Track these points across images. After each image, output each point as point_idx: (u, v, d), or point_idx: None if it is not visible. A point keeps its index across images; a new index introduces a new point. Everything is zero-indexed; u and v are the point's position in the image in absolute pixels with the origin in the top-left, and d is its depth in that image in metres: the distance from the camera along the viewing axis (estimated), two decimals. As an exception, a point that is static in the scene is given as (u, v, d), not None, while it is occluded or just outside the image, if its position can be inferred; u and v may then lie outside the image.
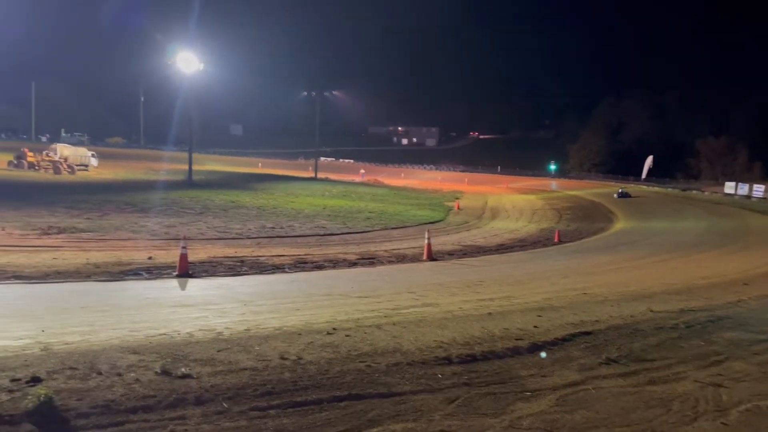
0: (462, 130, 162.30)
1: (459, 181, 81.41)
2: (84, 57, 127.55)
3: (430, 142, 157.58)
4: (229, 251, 17.14)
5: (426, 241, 18.06)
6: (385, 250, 19.59)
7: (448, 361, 6.68)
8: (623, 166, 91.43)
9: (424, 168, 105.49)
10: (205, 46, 51.29)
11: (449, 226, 31.10)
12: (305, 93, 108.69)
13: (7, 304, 9.31)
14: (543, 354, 7.30)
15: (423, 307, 10.00)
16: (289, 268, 15.01)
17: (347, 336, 7.42)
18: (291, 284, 12.94)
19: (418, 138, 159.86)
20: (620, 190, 60.51)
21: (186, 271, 12.85)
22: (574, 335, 8.27)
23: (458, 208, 42.45)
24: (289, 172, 74.24)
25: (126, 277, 12.31)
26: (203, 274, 13.11)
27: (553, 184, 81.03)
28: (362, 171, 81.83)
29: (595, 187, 73.45)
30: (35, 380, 5.07)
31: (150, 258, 14.69)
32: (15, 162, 46.48)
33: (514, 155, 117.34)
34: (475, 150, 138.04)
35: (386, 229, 27.18)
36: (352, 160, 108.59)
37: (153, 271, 13.12)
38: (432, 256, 17.81)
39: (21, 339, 6.79)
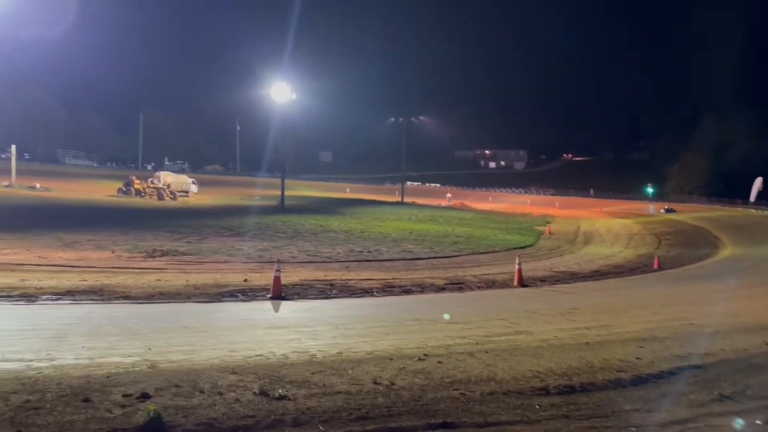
0: (551, 153, 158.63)
1: (549, 204, 79.38)
2: (186, 90, 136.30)
3: (519, 165, 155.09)
4: (319, 274, 17.47)
5: (516, 267, 17.63)
6: (474, 275, 19.29)
7: (545, 391, 6.44)
8: (729, 189, 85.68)
9: (513, 191, 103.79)
10: (297, 75, 53.34)
11: (540, 251, 30.25)
12: (392, 119, 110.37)
13: (117, 323, 9.89)
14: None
15: (516, 334, 9.73)
16: (377, 291, 15.08)
17: (439, 362, 7.32)
18: (380, 308, 12.97)
19: (505, 161, 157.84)
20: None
21: (279, 293, 13.20)
22: (681, 368, 7.76)
23: (549, 232, 41.28)
24: (376, 197, 75.20)
25: (223, 299, 12.78)
26: (295, 297, 13.40)
27: (651, 207, 77.27)
28: (449, 195, 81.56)
29: (698, 210, 69.36)
30: (144, 396, 5.33)
31: (245, 280, 15.21)
32: (124, 189, 50.00)
33: (607, 178, 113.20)
34: (566, 173, 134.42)
35: (474, 253, 26.81)
36: (438, 185, 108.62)
37: (248, 293, 13.55)
38: (523, 282, 17.34)
39: (130, 356, 7.19)
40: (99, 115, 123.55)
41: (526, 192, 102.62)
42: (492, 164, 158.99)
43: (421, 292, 15.61)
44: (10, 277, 13.57)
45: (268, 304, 12.43)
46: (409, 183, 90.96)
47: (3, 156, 70.66)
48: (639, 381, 7.13)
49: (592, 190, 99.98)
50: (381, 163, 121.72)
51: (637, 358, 8.20)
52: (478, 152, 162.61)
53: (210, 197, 54.35)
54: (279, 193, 49.02)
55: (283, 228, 31.31)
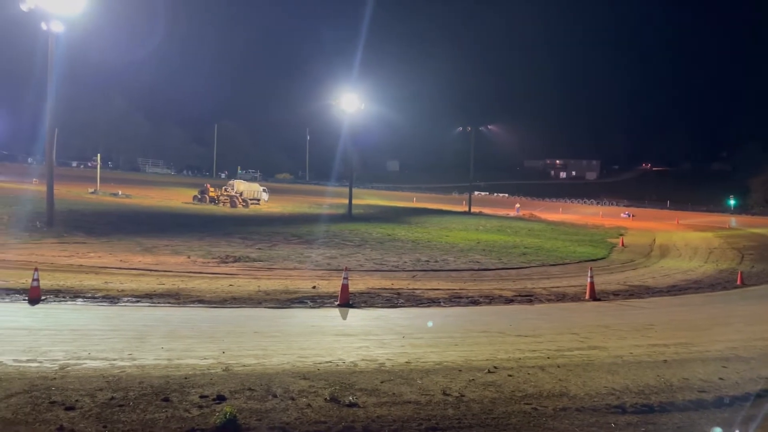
0: (625, 163, 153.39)
1: (623, 216, 76.66)
2: (258, 102, 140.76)
3: (591, 176, 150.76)
4: (386, 283, 17.51)
5: (589, 280, 17.10)
6: (544, 288, 18.84)
7: (621, 409, 6.20)
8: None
9: (584, 202, 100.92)
10: (365, 85, 54.01)
11: (613, 264, 29.21)
12: (460, 128, 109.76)
13: (192, 325, 10.27)
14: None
15: (589, 350, 9.43)
16: (444, 302, 14.98)
17: (510, 376, 7.19)
18: (447, 319, 12.88)
19: (577, 171, 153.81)
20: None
21: (347, 301, 13.33)
22: (769, 391, 7.29)
23: (623, 245, 39.81)
24: (442, 206, 74.82)
25: (292, 305, 13.02)
26: (362, 305, 13.49)
27: (733, 220, 73.25)
28: (517, 205, 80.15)
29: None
30: (220, 398, 5.50)
31: (314, 287, 15.44)
32: (199, 196, 51.91)
33: (685, 189, 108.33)
34: (641, 184, 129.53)
35: (544, 265, 26.19)
36: (506, 194, 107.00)
37: (317, 300, 13.76)
38: (595, 296, 16.79)
39: (205, 359, 7.43)
40: (177, 126, 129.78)
41: (598, 203, 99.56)
42: (563, 174, 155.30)
43: (489, 303, 15.38)
44: (95, 279, 14.33)
45: (336, 312, 12.57)
46: (476, 193, 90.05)
47: (89, 164, 74.96)
48: (722, 403, 6.75)
49: (668, 202, 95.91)
50: (448, 172, 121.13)
51: (720, 379, 7.78)
52: (548, 162, 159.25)
53: (280, 205, 55.63)
54: (346, 201, 49.58)
55: (350, 236, 31.61)
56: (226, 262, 19.70)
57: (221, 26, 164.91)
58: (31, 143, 65.87)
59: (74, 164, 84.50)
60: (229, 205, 49.98)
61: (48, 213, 25.48)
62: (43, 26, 24.01)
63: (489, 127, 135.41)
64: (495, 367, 7.59)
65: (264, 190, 57.30)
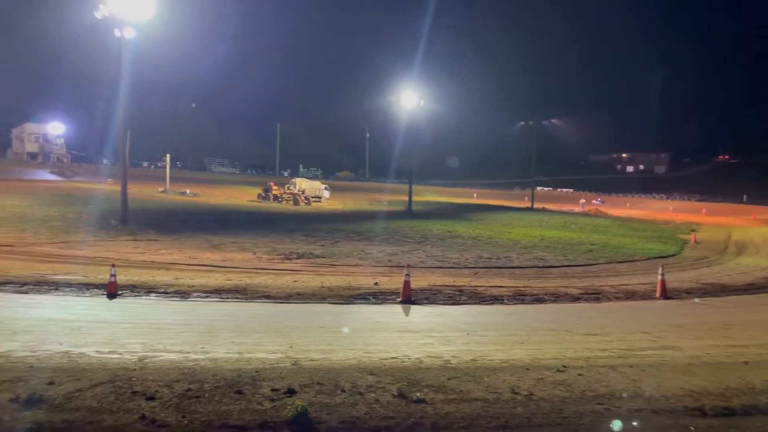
0: (696, 156, 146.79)
1: (695, 211, 73.37)
2: (319, 101, 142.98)
3: (659, 169, 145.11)
4: (448, 280, 17.42)
5: (659, 277, 16.47)
6: (611, 286, 18.28)
7: (700, 412, 5.95)
8: None
9: (653, 197, 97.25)
10: (425, 81, 53.72)
11: (685, 261, 28.04)
12: (522, 123, 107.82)
13: (260, 320, 10.53)
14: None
15: (662, 349, 9.09)
16: (507, 299, 14.76)
17: (580, 375, 7.02)
18: (511, 316, 12.70)
19: (645, 165, 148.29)
20: None
21: (409, 297, 13.34)
22: None
23: (695, 241, 38.15)
24: (504, 203, 73.80)
25: (355, 301, 13.14)
26: (424, 302, 13.47)
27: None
28: (582, 201, 78.03)
29: None
30: (290, 392, 5.62)
31: (376, 283, 15.53)
32: (263, 194, 53.19)
33: (764, 182, 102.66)
34: (714, 177, 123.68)
35: (611, 262, 25.41)
36: (571, 190, 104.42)
37: (379, 296, 13.83)
38: (666, 294, 16.16)
39: (274, 353, 7.61)
40: (241, 126, 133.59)
41: (668, 198, 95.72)
42: (630, 168, 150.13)
43: (555, 301, 15.06)
44: (166, 275, 14.90)
45: (398, 308, 12.62)
46: (539, 188, 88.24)
47: (159, 165, 77.95)
48: (813, 408, 6.37)
49: (745, 196, 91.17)
50: (509, 168, 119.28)
51: (808, 383, 7.34)
52: (614, 156, 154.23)
53: (341, 202, 56.27)
54: (406, 198, 49.63)
55: (411, 233, 31.63)
56: (290, 259, 20.08)
57: (283, 27, 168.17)
58: (103, 145, 69.08)
59: (145, 164, 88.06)
60: (291, 202, 50.92)
61: (122, 211, 26.68)
62: (117, 33, 25.10)
63: (552, 121, 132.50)
64: (564, 366, 7.43)
65: (325, 188, 58.10)
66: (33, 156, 76.00)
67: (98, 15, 24.70)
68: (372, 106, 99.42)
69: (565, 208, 69.32)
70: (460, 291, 15.42)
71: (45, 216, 26.83)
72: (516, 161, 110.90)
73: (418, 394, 5.77)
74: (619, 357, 8.29)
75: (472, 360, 7.63)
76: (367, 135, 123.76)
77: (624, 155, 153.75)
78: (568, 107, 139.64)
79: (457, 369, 7.06)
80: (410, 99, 47.54)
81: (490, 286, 16.80)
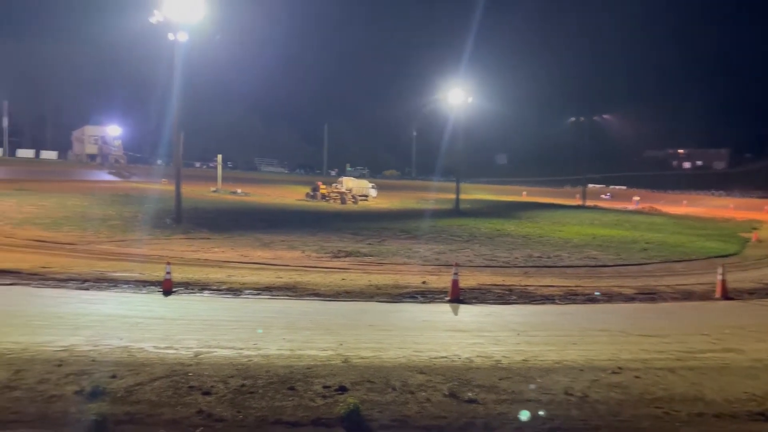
0: (759, 150, 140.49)
1: (756, 208, 70.26)
2: (366, 100, 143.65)
3: (719, 165, 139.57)
4: (497, 279, 17.22)
5: (719, 277, 15.86)
6: (668, 286, 17.71)
7: (764, 417, 5.70)
8: None
9: (712, 194, 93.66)
10: (473, 78, 53.19)
11: (746, 261, 26.93)
12: (573, 119, 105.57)
13: (310, 318, 10.66)
14: None
15: (723, 352, 8.76)
16: (559, 299, 14.49)
17: (636, 377, 6.83)
18: (562, 316, 12.47)
19: (703, 160, 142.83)
20: None
21: (457, 296, 13.25)
22: None
23: (757, 239, 36.56)
24: (554, 200, 72.46)
25: (403, 299, 13.14)
26: (473, 301, 13.35)
27: None
28: (636, 198, 75.80)
29: None
30: (342, 389, 5.67)
31: (423, 282, 15.48)
32: (311, 193, 53.81)
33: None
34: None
35: (667, 262, 24.64)
36: (624, 187, 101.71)
37: (427, 295, 13.78)
38: (727, 295, 15.55)
39: (325, 350, 7.69)
40: (289, 126, 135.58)
41: (727, 194, 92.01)
42: (686, 164, 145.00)
43: (608, 301, 14.70)
44: (219, 273, 15.24)
45: (446, 307, 12.56)
46: (590, 185, 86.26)
47: (211, 165, 79.81)
48: None
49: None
50: (559, 165, 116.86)
51: None
52: (670, 152, 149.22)
53: (387, 201, 56.39)
54: (453, 196, 49.32)
55: (458, 231, 31.42)
56: (338, 257, 20.24)
57: (331, 27, 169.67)
58: (157, 146, 71.12)
59: (197, 165, 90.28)
60: (339, 201, 51.31)
61: (176, 211, 27.42)
62: (170, 37, 25.81)
63: (604, 116, 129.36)
64: (620, 368, 7.25)
65: (372, 187, 58.31)
66: (92, 157, 78.86)
67: (153, 20, 25.47)
68: (419, 105, 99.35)
69: (618, 205, 67.61)
70: (510, 290, 15.22)
71: (104, 215, 27.83)
72: (567, 158, 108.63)
73: (470, 394, 5.73)
74: (678, 359, 8.03)
75: (523, 360, 7.53)
76: (414, 133, 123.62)
77: (680, 151, 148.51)
78: (622, 102, 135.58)
79: (508, 369, 6.97)
80: (457, 96, 47.21)
81: (541, 285, 16.52)
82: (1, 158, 69.98)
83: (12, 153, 76.43)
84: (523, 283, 16.62)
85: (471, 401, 5.55)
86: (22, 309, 10.38)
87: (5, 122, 76.54)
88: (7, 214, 26.00)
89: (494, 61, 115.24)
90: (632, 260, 24.27)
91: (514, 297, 14.33)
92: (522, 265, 21.40)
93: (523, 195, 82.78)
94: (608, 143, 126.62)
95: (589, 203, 65.84)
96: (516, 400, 5.68)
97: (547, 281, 17.52)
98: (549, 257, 23.86)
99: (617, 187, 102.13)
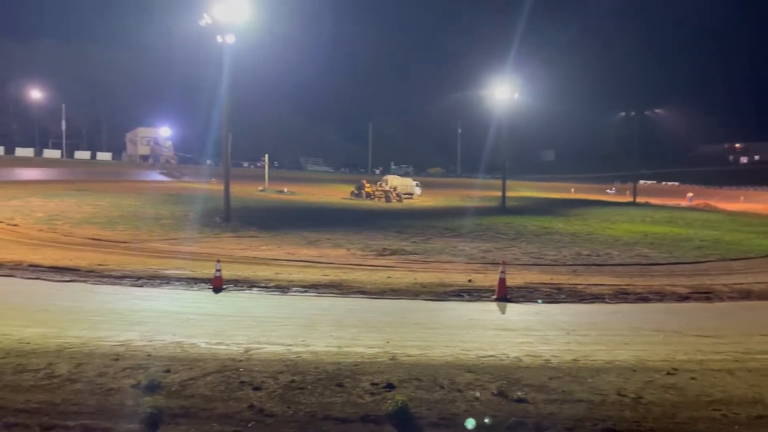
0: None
1: (819, 204, 67.21)
2: (410, 98, 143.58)
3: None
4: (545, 278, 16.94)
5: (780, 276, 15.25)
6: (724, 285, 17.07)
7: (830, 423, 5.44)
8: None
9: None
10: (519, 73, 52.46)
11: (808, 259, 25.77)
12: (623, 113, 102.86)
13: (356, 315, 10.72)
14: None
15: (784, 354, 8.40)
16: (609, 298, 14.15)
17: (692, 379, 6.62)
18: (613, 315, 12.19)
19: (761, 155, 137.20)
20: None
21: (504, 295, 13.09)
22: None
23: (820, 237, 34.94)
24: (603, 197, 70.90)
25: (449, 298, 13.06)
26: (521, 300, 13.18)
27: None
28: (690, 194, 73.43)
29: None
30: (389, 386, 5.69)
31: (469, 281, 15.35)
32: (356, 192, 54.16)
33: None
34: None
35: (723, 260, 23.76)
36: (677, 183, 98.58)
37: (473, 294, 13.66)
38: (788, 294, 14.92)
39: (371, 348, 7.73)
40: (335, 125, 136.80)
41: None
42: (744, 159, 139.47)
43: (661, 300, 14.28)
44: (267, 270, 15.49)
45: (493, 306, 12.44)
46: (641, 182, 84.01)
47: (258, 164, 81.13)
48: None
49: None
50: (609, 161, 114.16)
51: None
52: (726, 146, 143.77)
53: (432, 199, 56.22)
54: (498, 194, 48.79)
55: (504, 229, 31.06)
56: (383, 255, 20.29)
57: (374, 25, 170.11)
58: (206, 146, 72.69)
59: (245, 164, 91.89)
60: (384, 199, 51.45)
61: (225, 210, 28.03)
62: (219, 39, 26.37)
63: (656, 111, 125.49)
64: (674, 369, 7.04)
65: (416, 185, 58.25)
66: (144, 158, 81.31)
67: (202, 23, 26.08)
68: (464, 102, 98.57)
69: (671, 202, 65.62)
70: (558, 289, 14.95)
71: (156, 214, 28.67)
72: (616, 154, 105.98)
73: (519, 393, 5.67)
74: (736, 360, 7.75)
75: (573, 360, 7.40)
76: (459, 131, 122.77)
77: (737, 145, 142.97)
78: (674, 96, 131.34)
79: (558, 369, 6.86)
80: (504, 92, 46.65)
81: (590, 284, 16.17)
82: (60, 160, 72.80)
83: (70, 155, 79.45)
84: (571, 282, 16.31)
85: (520, 400, 5.48)
86: (81, 305, 10.80)
87: (63, 125, 79.61)
88: (66, 214, 27.09)
89: (541, 56, 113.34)
90: (686, 258, 23.52)
91: (563, 296, 14.06)
92: (570, 263, 21.01)
93: (572, 191, 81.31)
94: (660, 138, 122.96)
95: (640, 200, 64.11)
96: (566, 400, 5.58)
97: (597, 280, 17.13)
98: (598, 255, 23.35)
99: (669, 182, 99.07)
